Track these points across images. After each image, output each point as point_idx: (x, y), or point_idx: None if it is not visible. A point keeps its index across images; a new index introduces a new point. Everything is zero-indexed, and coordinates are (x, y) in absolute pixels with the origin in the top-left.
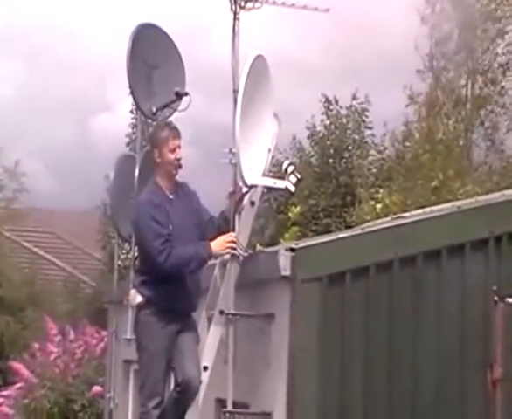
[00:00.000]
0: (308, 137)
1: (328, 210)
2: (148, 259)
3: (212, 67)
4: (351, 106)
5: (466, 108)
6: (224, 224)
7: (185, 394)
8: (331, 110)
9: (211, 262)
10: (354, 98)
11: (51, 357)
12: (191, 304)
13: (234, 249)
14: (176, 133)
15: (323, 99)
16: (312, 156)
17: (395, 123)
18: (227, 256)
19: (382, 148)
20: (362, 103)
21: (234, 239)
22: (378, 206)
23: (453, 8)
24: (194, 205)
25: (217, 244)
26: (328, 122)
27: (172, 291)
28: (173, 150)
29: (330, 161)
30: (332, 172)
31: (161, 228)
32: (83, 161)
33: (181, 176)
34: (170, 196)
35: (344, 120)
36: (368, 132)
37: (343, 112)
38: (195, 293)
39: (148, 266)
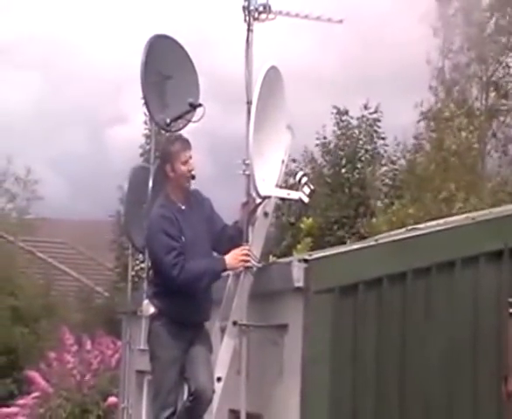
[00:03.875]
0: (317, 145)
1: (342, 222)
2: (162, 273)
3: (230, 77)
4: (363, 116)
5: (479, 119)
6: (237, 235)
7: (198, 403)
8: (343, 121)
9: (224, 273)
10: (365, 108)
11: (68, 367)
12: (204, 315)
13: (248, 262)
14: (186, 144)
15: (335, 111)
16: (324, 167)
17: (406, 135)
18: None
19: (395, 159)
20: (374, 112)
21: (248, 252)
22: (394, 218)
23: (465, 21)
24: (206, 212)
25: (231, 258)
26: (339, 133)
27: (185, 303)
28: (185, 162)
29: (343, 171)
30: (345, 183)
31: (173, 241)
32: (97, 171)
33: (196, 186)
34: (183, 207)
35: (356, 131)
36: (380, 142)
37: (355, 122)
38: (207, 304)
39: (160, 278)
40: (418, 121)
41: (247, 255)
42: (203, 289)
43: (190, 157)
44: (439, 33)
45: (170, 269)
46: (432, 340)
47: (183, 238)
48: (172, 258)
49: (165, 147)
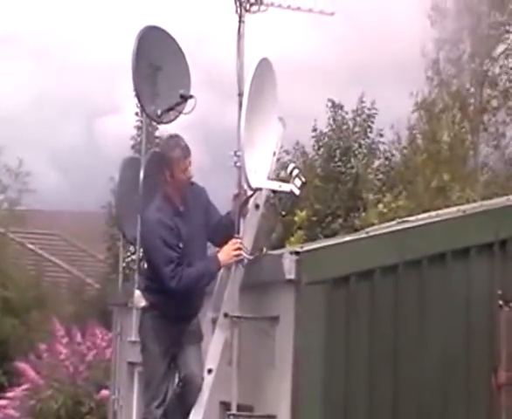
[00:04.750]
0: (313, 137)
1: (335, 214)
2: (159, 280)
3: (224, 69)
4: (357, 109)
5: (471, 113)
6: (230, 225)
7: (188, 389)
8: (337, 114)
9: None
10: (361, 101)
11: (60, 358)
12: (195, 310)
13: (240, 255)
14: (186, 151)
15: (330, 104)
16: (316, 160)
17: (401, 126)
18: None
19: (389, 155)
20: (368, 109)
21: (239, 245)
22: (385, 210)
23: (461, 14)
24: (204, 205)
25: (224, 255)
26: (334, 126)
27: (177, 300)
28: (185, 170)
29: (337, 164)
30: (339, 177)
31: (172, 252)
32: (89, 162)
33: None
34: (180, 209)
35: (350, 124)
36: (373, 136)
37: (350, 116)
38: (199, 300)
39: (155, 277)
40: (413, 111)
41: (239, 248)
42: (201, 289)
43: (190, 163)
44: (435, 24)
45: (169, 280)
46: (425, 331)
47: (180, 245)
48: (170, 271)
49: (165, 153)
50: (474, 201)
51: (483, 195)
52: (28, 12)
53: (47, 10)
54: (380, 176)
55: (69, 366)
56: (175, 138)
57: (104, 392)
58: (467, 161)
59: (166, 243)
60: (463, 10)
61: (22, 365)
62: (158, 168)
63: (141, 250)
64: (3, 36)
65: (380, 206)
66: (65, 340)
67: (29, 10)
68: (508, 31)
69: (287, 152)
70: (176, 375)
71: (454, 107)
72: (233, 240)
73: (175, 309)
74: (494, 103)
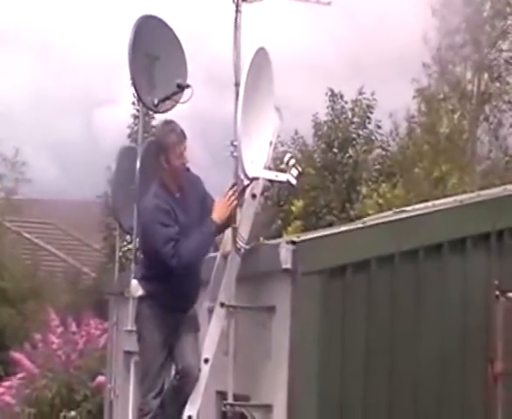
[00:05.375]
0: (313, 128)
1: (331, 206)
2: (159, 263)
3: (223, 60)
4: (357, 99)
5: (471, 103)
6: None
7: (185, 381)
8: (336, 103)
9: (212, 254)
10: (360, 93)
11: (53, 347)
12: (192, 300)
13: (236, 201)
14: (182, 137)
15: (329, 93)
16: (315, 151)
17: (399, 116)
18: (228, 248)
19: (386, 146)
20: (368, 100)
21: (232, 193)
22: (381, 201)
23: (463, 2)
24: (200, 194)
25: (218, 212)
26: (333, 115)
27: (173, 289)
28: (180, 155)
29: (335, 154)
30: (337, 167)
31: (169, 230)
32: (86, 152)
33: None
34: (177, 195)
35: (349, 114)
36: (372, 127)
37: (349, 105)
38: (196, 289)
39: (153, 263)
40: (414, 97)
41: (232, 197)
42: (204, 257)
43: (185, 149)
44: (437, 13)
45: (169, 260)
46: (421, 322)
47: (177, 228)
48: (170, 249)
49: (160, 139)
50: (471, 190)
51: (481, 185)
52: (28, 9)
53: (47, 7)
54: (377, 167)
55: (61, 355)
56: (170, 124)
57: (100, 378)
58: (466, 152)
59: (164, 224)
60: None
61: (17, 355)
62: (154, 156)
63: (138, 239)
64: (2, 33)
65: (375, 196)
66: (59, 330)
67: (29, 7)
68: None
69: (282, 143)
70: (173, 367)
71: (454, 97)
72: (222, 196)
73: (172, 298)
74: (492, 89)
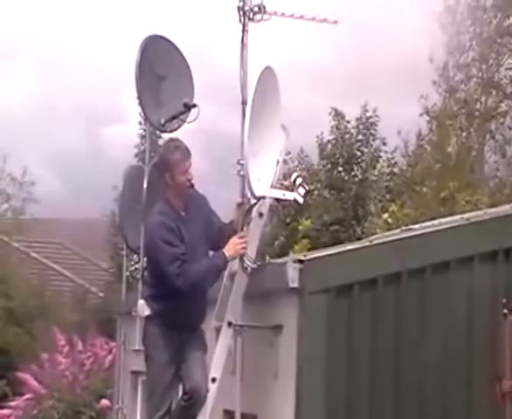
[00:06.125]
0: (318, 147)
1: (339, 223)
2: (165, 282)
3: (228, 76)
4: (361, 117)
5: (477, 121)
6: (232, 234)
7: (192, 402)
8: (340, 123)
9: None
10: (365, 111)
11: (60, 368)
12: (199, 319)
13: (246, 249)
14: (186, 153)
15: (333, 113)
16: (320, 170)
17: (408, 134)
18: (235, 267)
19: (393, 163)
20: (370, 117)
21: (245, 239)
22: (390, 220)
23: (471, 20)
24: (205, 213)
25: (230, 249)
26: (337, 134)
27: (180, 309)
28: (185, 172)
29: (340, 172)
30: (344, 185)
31: (175, 250)
32: (94, 170)
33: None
34: (182, 214)
35: (354, 133)
36: (377, 143)
37: (353, 124)
38: (203, 309)
39: (159, 283)
40: (421, 115)
41: (244, 241)
42: (209, 287)
43: (190, 166)
44: (446, 29)
45: (175, 279)
46: (427, 341)
47: (183, 247)
48: (176, 268)
49: (165, 156)
50: (479, 208)
51: (489, 203)
52: (31, 19)
53: (51, 16)
54: (386, 184)
55: (68, 375)
56: (174, 141)
57: (104, 401)
58: (474, 170)
59: (170, 243)
60: (472, 15)
61: (24, 375)
62: (159, 173)
63: (145, 258)
64: (8, 46)
65: (385, 215)
66: (66, 350)
67: (32, 17)
68: None
69: (286, 161)
70: (181, 387)
71: (461, 115)
72: (238, 235)
73: (179, 317)
74: (503, 108)
